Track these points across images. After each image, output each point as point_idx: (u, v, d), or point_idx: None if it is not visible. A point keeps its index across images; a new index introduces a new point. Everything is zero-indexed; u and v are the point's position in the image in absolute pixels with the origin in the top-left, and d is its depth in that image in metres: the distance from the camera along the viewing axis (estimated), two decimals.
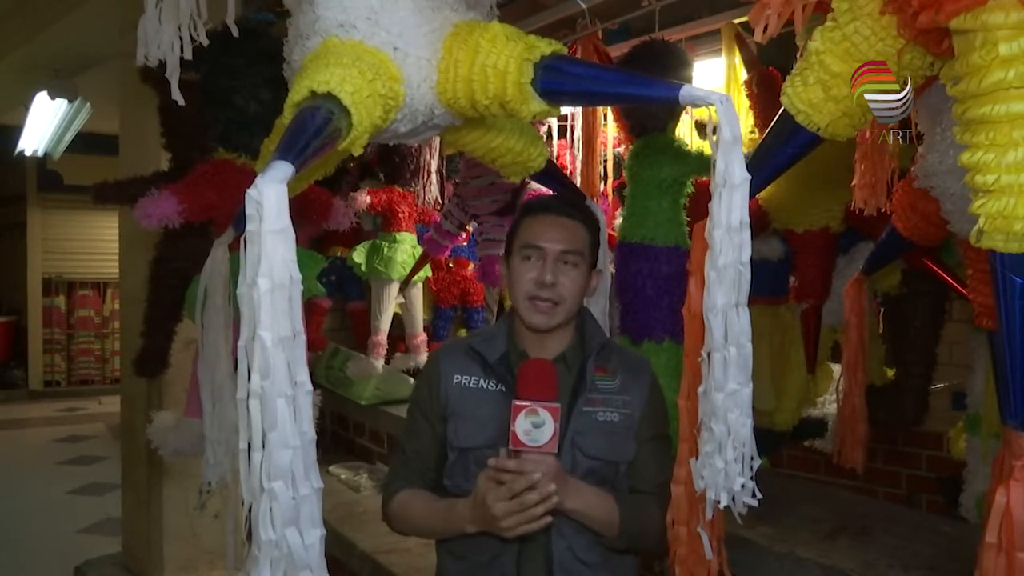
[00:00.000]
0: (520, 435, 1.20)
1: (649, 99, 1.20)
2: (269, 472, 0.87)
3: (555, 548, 1.30)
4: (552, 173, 1.73)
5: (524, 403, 1.20)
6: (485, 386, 1.36)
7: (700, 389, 1.10)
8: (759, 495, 1.09)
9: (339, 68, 1.08)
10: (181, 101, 1.45)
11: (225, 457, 1.89)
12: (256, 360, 0.85)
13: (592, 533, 1.31)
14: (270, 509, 0.87)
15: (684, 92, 1.05)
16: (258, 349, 0.85)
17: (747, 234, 1.02)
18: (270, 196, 0.86)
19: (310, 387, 0.91)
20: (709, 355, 1.07)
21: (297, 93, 1.06)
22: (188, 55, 1.43)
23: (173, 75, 1.42)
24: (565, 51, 1.18)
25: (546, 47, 1.15)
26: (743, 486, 1.08)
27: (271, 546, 0.87)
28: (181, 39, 1.40)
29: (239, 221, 1.73)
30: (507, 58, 1.16)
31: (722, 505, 1.09)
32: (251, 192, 0.85)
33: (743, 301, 1.04)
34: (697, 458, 1.12)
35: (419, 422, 1.42)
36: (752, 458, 1.08)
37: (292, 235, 0.87)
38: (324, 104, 1.03)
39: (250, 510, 0.89)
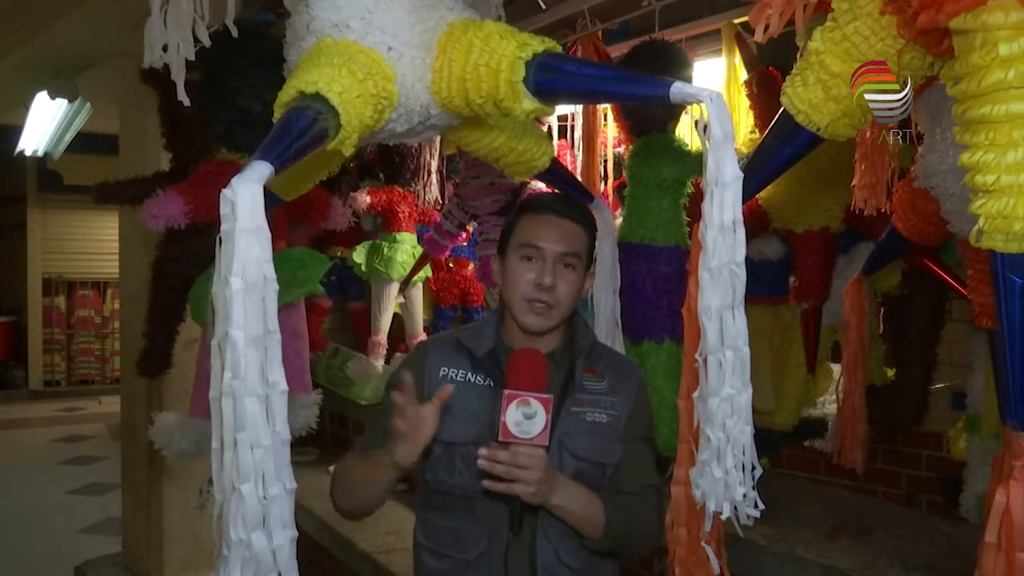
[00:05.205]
0: (511, 426, 1.14)
1: (641, 96, 1.19)
2: (238, 472, 0.85)
3: (540, 551, 1.29)
4: (557, 172, 1.72)
5: (516, 393, 1.15)
6: (473, 380, 1.33)
7: (695, 394, 1.07)
8: (761, 505, 1.05)
9: (329, 68, 1.07)
10: (187, 102, 1.46)
11: None
12: (228, 359, 0.84)
13: (577, 539, 1.30)
14: (239, 510, 0.86)
15: (675, 89, 1.02)
16: (230, 348, 0.84)
17: (741, 233, 0.99)
18: (244, 196, 0.85)
19: (284, 387, 0.89)
20: (705, 359, 1.03)
21: (286, 93, 1.05)
22: (191, 56, 1.43)
23: (179, 76, 1.43)
24: (559, 48, 1.16)
25: (538, 45, 1.13)
26: (745, 495, 1.03)
27: (241, 547, 0.86)
28: (183, 41, 1.41)
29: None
30: (499, 56, 1.14)
31: (724, 516, 1.06)
32: (226, 192, 0.85)
33: (739, 303, 1.00)
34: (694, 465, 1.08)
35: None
36: (754, 467, 1.04)
37: (267, 235, 0.87)
38: (312, 104, 1.02)
39: (221, 509, 0.88)
